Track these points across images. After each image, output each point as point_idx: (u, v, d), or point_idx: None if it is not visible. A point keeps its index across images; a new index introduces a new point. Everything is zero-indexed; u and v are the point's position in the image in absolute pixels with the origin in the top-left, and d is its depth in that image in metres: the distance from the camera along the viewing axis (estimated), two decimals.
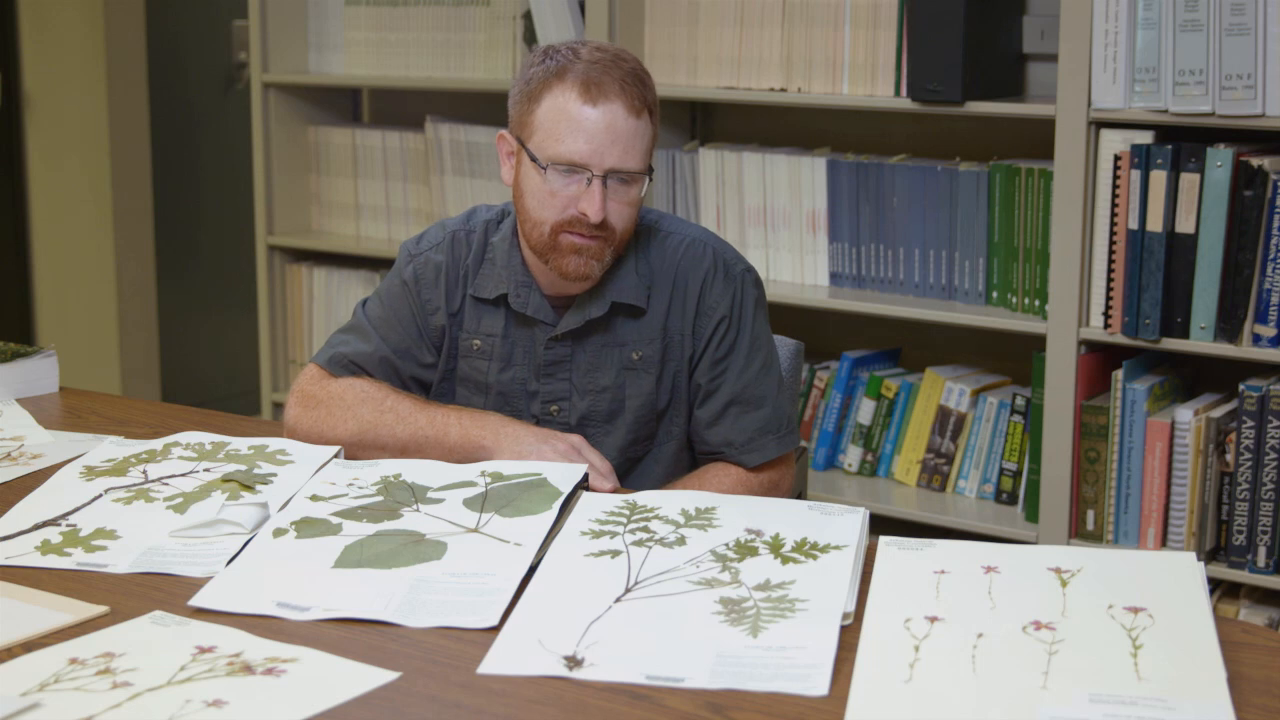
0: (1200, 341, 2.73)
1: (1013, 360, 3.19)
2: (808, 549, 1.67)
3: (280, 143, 3.88)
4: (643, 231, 2.17)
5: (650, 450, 2.18)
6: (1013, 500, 3.07)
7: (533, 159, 2.05)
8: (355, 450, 2.09)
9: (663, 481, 2.18)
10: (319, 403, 2.14)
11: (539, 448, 2.00)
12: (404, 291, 2.19)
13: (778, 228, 3.22)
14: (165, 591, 1.64)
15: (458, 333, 2.18)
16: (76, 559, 1.73)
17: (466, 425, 2.05)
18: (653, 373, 2.15)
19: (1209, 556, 2.80)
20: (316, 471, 1.97)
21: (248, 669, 1.44)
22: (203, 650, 1.48)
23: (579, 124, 2.02)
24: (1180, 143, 2.71)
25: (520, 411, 2.16)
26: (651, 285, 2.15)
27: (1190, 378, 2.95)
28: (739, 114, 3.46)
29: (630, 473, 2.18)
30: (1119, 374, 2.83)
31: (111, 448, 2.09)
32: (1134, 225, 2.75)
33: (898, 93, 3.03)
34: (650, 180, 2.09)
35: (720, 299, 2.15)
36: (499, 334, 2.15)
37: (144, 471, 1.99)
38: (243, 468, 1.98)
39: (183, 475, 1.97)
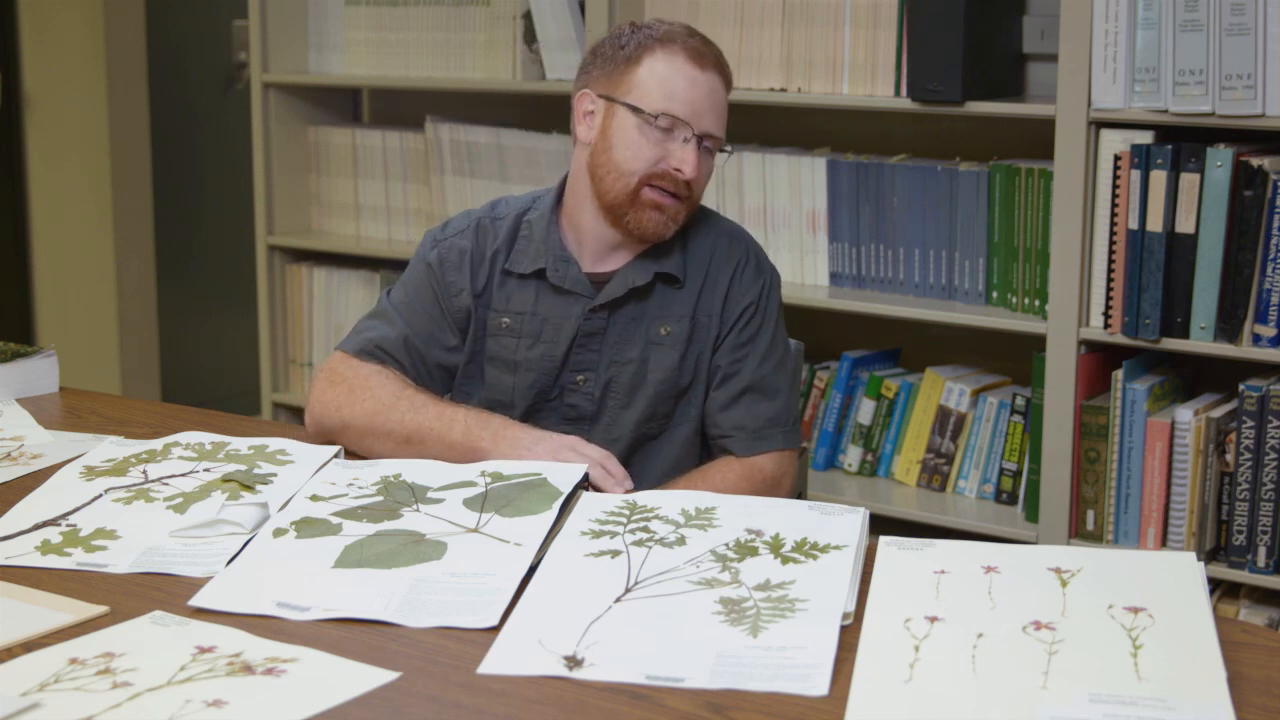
0: (1200, 341, 2.73)
1: (1013, 360, 3.19)
2: (808, 549, 1.67)
3: (280, 143, 3.88)
4: (689, 215, 2.24)
5: (665, 430, 2.21)
6: (1013, 500, 3.07)
7: (636, 110, 2.14)
8: (365, 434, 2.12)
9: (672, 466, 2.21)
10: (342, 380, 2.17)
11: (532, 448, 2.03)
12: (428, 274, 2.23)
13: (778, 228, 3.22)
14: (165, 591, 1.64)
15: (485, 313, 2.21)
16: (76, 559, 1.73)
17: (471, 424, 2.08)
18: (678, 350, 2.19)
19: (1209, 556, 2.80)
20: (316, 471, 1.97)
21: (248, 669, 1.44)
22: (203, 650, 1.48)
23: (687, 84, 2.14)
24: (1180, 143, 2.71)
25: (548, 387, 2.19)
26: (688, 264, 2.21)
27: (1190, 378, 2.95)
28: (739, 114, 3.45)
29: (641, 449, 2.20)
30: (1119, 374, 2.83)
31: (111, 448, 2.09)
32: (1134, 225, 2.75)
33: (898, 93, 3.03)
34: (729, 153, 2.25)
35: (749, 287, 2.22)
36: (529, 310, 2.20)
37: (144, 471, 1.99)
38: (243, 468, 1.98)
39: (183, 475, 1.97)
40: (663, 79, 2.14)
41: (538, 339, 2.20)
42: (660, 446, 2.22)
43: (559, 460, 1.99)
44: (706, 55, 2.17)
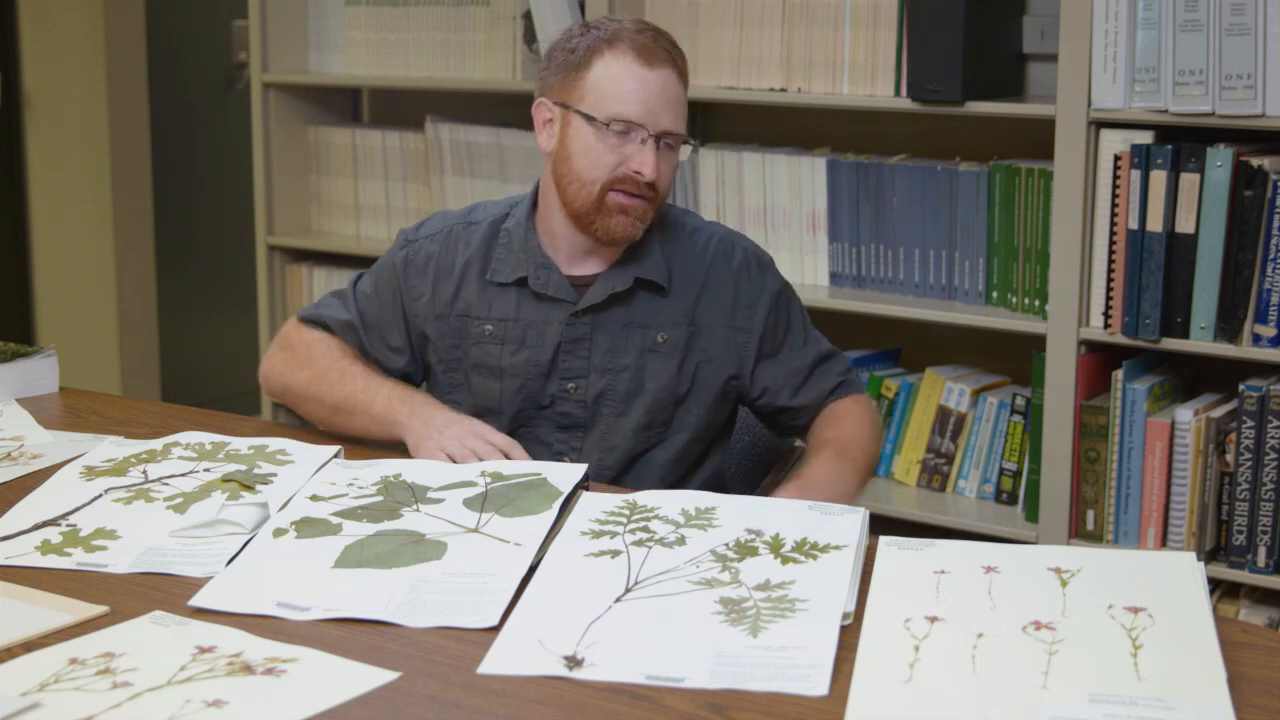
0: (1200, 341, 2.73)
1: (1013, 360, 3.19)
2: (808, 549, 1.67)
3: (280, 143, 3.88)
4: (669, 222, 2.22)
5: (664, 438, 2.20)
6: (1013, 500, 3.07)
7: (589, 118, 2.10)
8: (303, 400, 2.22)
9: (665, 475, 2.19)
10: (290, 346, 2.27)
11: (444, 430, 2.06)
12: (392, 274, 2.26)
13: (778, 228, 3.22)
14: (165, 591, 1.64)
15: (461, 322, 2.21)
16: (76, 559, 1.73)
17: (393, 399, 2.13)
18: (676, 358, 2.18)
19: (1209, 556, 2.80)
20: (316, 471, 1.97)
21: (248, 669, 1.44)
22: (203, 650, 1.48)
23: (637, 84, 2.09)
24: (1180, 143, 2.70)
25: (535, 392, 2.19)
26: (674, 271, 2.20)
27: (1190, 378, 2.95)
28: (739, 114, 3.46)
29: (641, 457, 2.19)
30: (1119, 374, 2.83)
31: (111, 448, 2.09)
32: (1134, 225, 2.75)
33: (898, 93, 3.02)
34: (693, 148, 2.19)
35: (761, 288, 2.23)
36: (511, 317, 2.19)
37: (144, 471, 1.99)
38: (243, 468, 1.98)
39: (183, 475, 1.97)
40: (613, 82, 2.09)
41: (522, 344, 2.19)
42: (658, 455, 2.21)
43: (465, 445, 2.03)
44: (656, 51, 2.11)
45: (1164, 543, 2.81)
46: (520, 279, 2.19)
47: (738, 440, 2.47)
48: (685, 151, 2.16)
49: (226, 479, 1.94)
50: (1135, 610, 1.49)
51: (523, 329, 2.19)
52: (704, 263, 2.21)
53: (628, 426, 2.18)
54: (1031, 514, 2.98)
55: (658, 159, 2.10)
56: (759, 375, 2.23)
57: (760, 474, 2.46)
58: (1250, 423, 2.70)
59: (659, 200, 2.15)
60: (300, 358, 2.23)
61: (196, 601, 1.60)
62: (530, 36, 3.49)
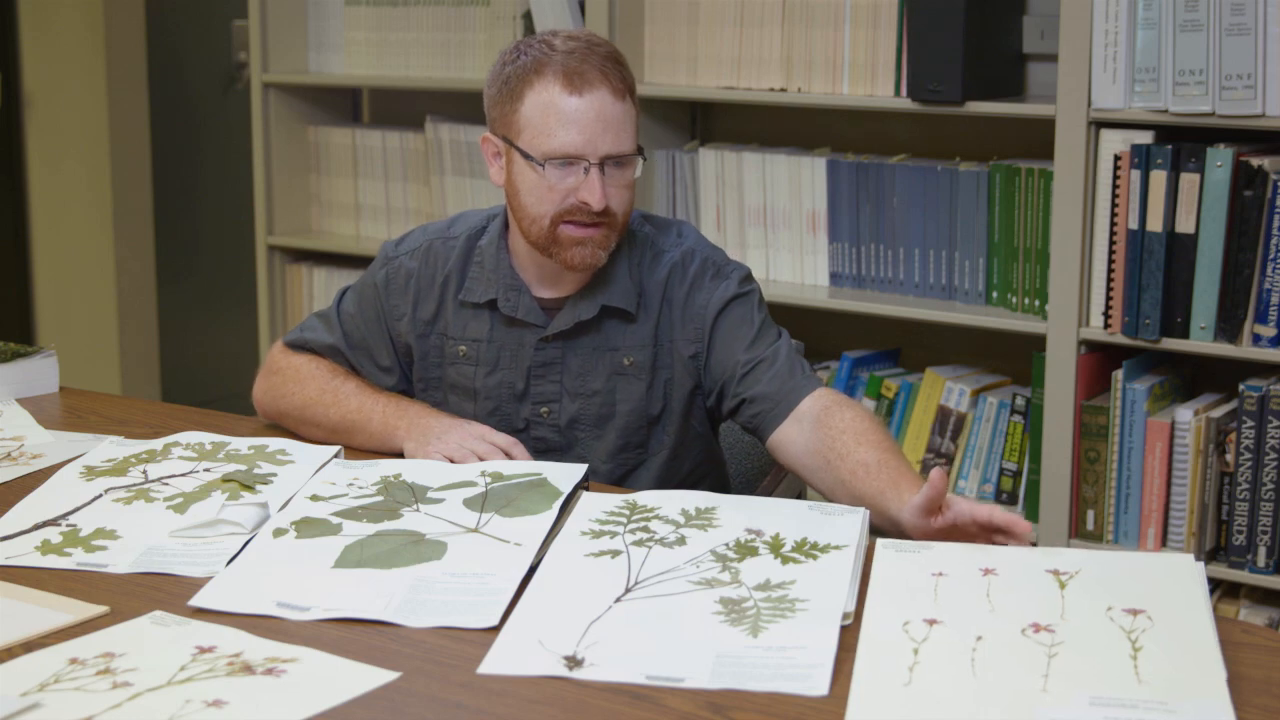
0: (1200, 341, 2.73)
1: (1013, 360, 3.19)
2: (808, 549, 1.67)
3: (280, 143, 3.88)
4: (640, 242, 2.17)
5: (643, 460, 2.18)
6: (1013, 500, 3.07)
7: (527, 156, 2.05)
8: (300, 423, 2.19)
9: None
10: (278, 371, 2.24)
11: (443, 437, 2.04)
12: (374, 293, 2.24)
13: (778, 228, 3.22)
14: (165, 591, 1.64)
15: (441, 340, 2.19)
16: (76, 559, 1.73)
17: (388, 414, 2.11)
18: (644, 379, 2.14)
19: (1209, 556, 2.80)
20: (316, 471, 1.97)
21: (248, 669, 1.44)
22: (203, 650, 1.48)
23: (568, 116, 2.03)
24: (1180, 143, 2.71)
25: (510, 415, 2.17)
26: (642, 294, 2.14)
27: (1190, 378, 2.95)
28: (739, 114, 3.46)
29: (624, 480, 2.18)
30: (1119, 374, 2.83)
31: (111, 448, 2.09)
32: (1134, 225, 2.75)
33: (898, 93, 3.03)
34: (644, 159, 2.10)
35: (713, 291, 2.13)
36: (484, 338, 2.16)
37: (144, 471, 1.99)
38: (243, 468, 1.98)
39: (183, 475, 1.97)
40: (543, 116, 2.03)
41: (495, 367, 2.16)
42: (640, 476, 2.18)
43: (464, 446, 2.02)
44: (585, 72, 2.03)
45: (1164, 543, 2.81)
46: (491, 300, 2.16)
47: (737, 440, 2.47)
48: (639, 166, 2.08)
49: (226, 479, 1.94)
50: (1134, 612, 1.49)
51: (496, 351, 2.16)
52: (663, 286, 2.14)
53: (604, 450, 2.15)
54: (1032, 514, 2.98)
55: (604, 185, 2.03)
56: (710, 373, 2.14)
57: (760, 474, 2.46)
58: (1250, 423, 2.70)
59: (618, 222, 2.08)
60: (290, 383, 2.20)
61: (196, 601, 1.60)
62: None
